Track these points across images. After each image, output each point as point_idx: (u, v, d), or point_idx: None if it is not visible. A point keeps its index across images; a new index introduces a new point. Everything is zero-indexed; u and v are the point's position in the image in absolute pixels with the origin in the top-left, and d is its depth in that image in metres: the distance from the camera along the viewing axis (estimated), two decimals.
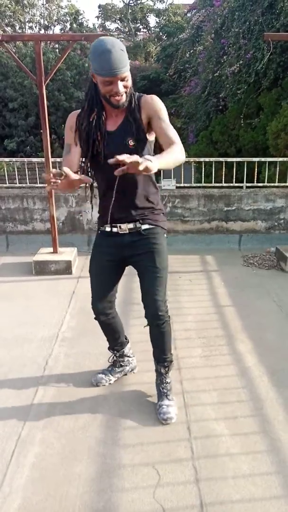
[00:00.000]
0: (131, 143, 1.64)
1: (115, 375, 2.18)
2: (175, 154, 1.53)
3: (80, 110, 1.72)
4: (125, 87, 1.57)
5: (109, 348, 2.17)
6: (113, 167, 1.56)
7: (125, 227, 1.82)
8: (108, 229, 1.86)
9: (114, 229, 1.84)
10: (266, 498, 1.51)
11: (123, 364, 2.18)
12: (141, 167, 1.28)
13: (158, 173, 1.76)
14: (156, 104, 1.66)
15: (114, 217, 1.81)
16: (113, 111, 1.65)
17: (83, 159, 1.72)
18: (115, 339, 2.11)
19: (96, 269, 1.97)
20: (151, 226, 1.82)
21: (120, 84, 1.54)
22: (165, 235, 1.89)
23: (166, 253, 1.87)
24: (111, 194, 1.74)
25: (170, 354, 1.96)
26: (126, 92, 1.58)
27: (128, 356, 2.20)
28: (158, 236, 1.84)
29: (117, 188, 1.72)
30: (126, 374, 2.22)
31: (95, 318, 2.05)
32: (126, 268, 1.97)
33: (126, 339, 2.19)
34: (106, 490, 1.55)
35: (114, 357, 2.16)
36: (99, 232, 1.93)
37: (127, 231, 1.82)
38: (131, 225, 1.81)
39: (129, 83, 1.58)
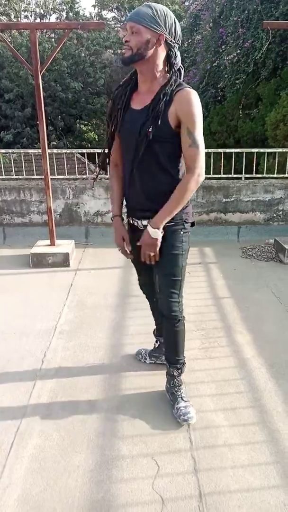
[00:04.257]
0: (150, 130, 1.53)
1: (151, 359, 2.21)
2: (180, 197, 1.58)
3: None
4: (133, 42, 1.46)
5: (155, 334, 2.20)
6: (129, 148, 1.61)
7: (140, 223, 1.74)
8: (131, 221, 1.80)
9: (134, 223, 1.78)
10: (264, 488, 1.52)
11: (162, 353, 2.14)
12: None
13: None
14: (186, 110, 1.51)
15: (131, 209, 1.76)
16: (144, 85, 1.57)
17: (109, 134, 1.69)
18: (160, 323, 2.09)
19: (134, 254, 1.88)
20: (166, 224, 1.67)
21: (127, 35, 1.47)
22: (182, 232, 1.73)
23: (182, 251, 1.74)
24: (127, 182, 1.71)
25: (183, 356, 1.92)
26: (132, 49, 1.47)
27: None
28: (174, 233, 1.70)
29: (131, 176, 1.66)
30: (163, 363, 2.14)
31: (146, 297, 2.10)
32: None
33: None
34: (105, 481, 1.55)
35: (159, 342, 2.19)
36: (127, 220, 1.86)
37: (142, 227, 1.73)
38: (145, 222, 1.70)
39: (140, 40, 1.46)
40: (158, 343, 2.21)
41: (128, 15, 1.48)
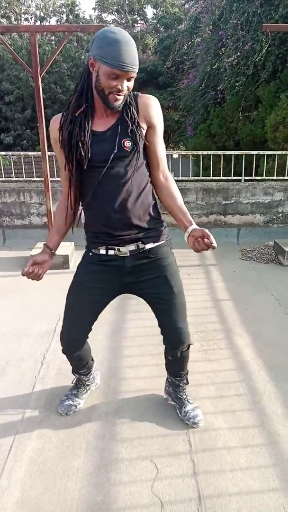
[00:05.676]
0: (126, 144, 1.41)
1: (82, 397, 1.96)
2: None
3: (62, 112, 1.48)
4: (128, 89, 1.37)
5: (73, 372, 1.94)
6: (100, 172, 1.44)
7: (125, 249, 1.51)
8: (103, 251, 1.54)
9: (111, 252, 1.53)
10: (264, 491, 1.52)
11: (88, 383, 1.99)
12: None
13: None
14: (157, 114, 1.47)
15: (108, 236, 1.51)
16: (104, 110, 1.42)
17: (66, 165, 1.47)
18: (83, 366, 1.91)
19: (79, 301, 1.68)
20: (156, 244, 1.55)
21: (125, 83, 1.35)
22: (172, 250, 1.65)
23: (179, 273, 1.64)
24: (102, 207, 1.47)
25: (186, 367, 1.87)
26: (125, 95, 1.38)
27: (93, 374, 2.02)
28: (167, 255, 1.59)
29: (108, 200, 1.45)
30: (91, 391, 2.04)
31: (63, 352, 1.82)
32: None
33: (92, 359, 1.97)
34: (104, 484, 1.55)
35: (78, 379, 1.96)
36: (90, 254, 1.60)
37: (128, 254, 1.53)
38: (132, 247, 1.51)
39: (131, 86, 1.39)
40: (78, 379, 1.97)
41: (130, 63, 1.30)
